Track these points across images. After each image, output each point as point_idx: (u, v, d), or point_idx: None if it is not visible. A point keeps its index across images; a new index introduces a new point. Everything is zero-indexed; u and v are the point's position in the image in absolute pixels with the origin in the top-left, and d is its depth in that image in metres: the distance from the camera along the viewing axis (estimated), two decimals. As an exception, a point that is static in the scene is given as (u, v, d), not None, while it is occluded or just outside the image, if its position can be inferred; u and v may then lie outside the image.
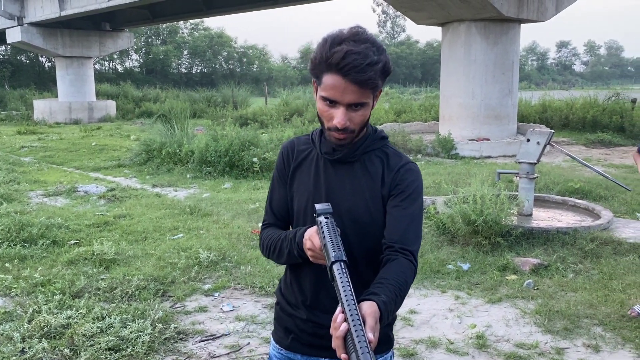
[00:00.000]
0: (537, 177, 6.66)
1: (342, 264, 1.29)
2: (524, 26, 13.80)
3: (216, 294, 4.66)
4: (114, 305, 4.26)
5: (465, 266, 5.16)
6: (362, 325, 1.16)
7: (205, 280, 4.95)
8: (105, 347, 3.54)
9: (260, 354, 3.66)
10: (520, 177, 6.53)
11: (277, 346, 1.74)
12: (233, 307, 4.41)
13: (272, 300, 4.50)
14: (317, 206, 1.46)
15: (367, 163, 1.62)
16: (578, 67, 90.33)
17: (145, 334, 3.72)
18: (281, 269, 5.07)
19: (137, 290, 4.57)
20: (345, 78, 1.42)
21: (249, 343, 3.81)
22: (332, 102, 1.48)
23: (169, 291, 4.68)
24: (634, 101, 15.84)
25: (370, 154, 1.63)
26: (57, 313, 4.01)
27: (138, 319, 3.94)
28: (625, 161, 11.19)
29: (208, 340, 3.86)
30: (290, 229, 1.72)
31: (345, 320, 1.18)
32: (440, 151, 12.19)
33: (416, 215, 1.57)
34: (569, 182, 8.12)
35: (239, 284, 4.86)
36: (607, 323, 4.00)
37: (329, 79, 1.45)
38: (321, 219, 1.43)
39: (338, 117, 1.47)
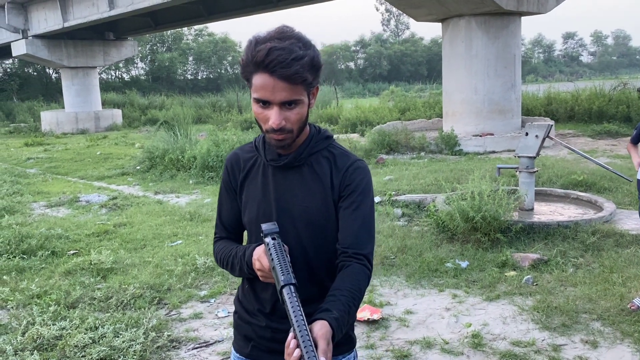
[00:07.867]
0: (536, 170, 6.57)
1: (291, 287, 1.31)
2: (528, 19, 13.68)
3: (212, 300, 4.63)
4: (108, 314, 4.25)
5: (464, 264, 5.10)
6: (315, 350, 1.19)
7: (201, 287, 4.93)
8: (97, 357, 3.52)
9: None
10: (520, 171, 6.44)
11: (238, 355, 1.73)
12: (228, 312, 4.38)
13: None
14: (263, 226, 1.46)
15: (315, 165, 1.60)
16: (585, 58, 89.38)
17: (137, 343, 3.70)
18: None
19: (133, 299, 4.56)
20: (273, 75, 1.40)
21: (242, 349, 3.77)
22: (265, 103, 1.46)
23: (165, 299, 4.67)
24: (639, 90, 15.63)
25: (316, 155, 1.61)
26: (51, 324, 4.01)
27: (131, 328, 3.93)
28: (631, 151, 11.02)
29: (201, 347, 3.84)
30: (245, 236, 1.71)
31: (298, 345, 1.20)
32: (444, 148, 12.09)
33: (367, 215, 1.57)
34: (573, 175, 8.01)
35: (235, 289, 4.83)
36: (606, 318, 3.92)
37: (258, 78, 1.44)
38: (268, 239, 1.43)
39: (273, 117, 1.45)
